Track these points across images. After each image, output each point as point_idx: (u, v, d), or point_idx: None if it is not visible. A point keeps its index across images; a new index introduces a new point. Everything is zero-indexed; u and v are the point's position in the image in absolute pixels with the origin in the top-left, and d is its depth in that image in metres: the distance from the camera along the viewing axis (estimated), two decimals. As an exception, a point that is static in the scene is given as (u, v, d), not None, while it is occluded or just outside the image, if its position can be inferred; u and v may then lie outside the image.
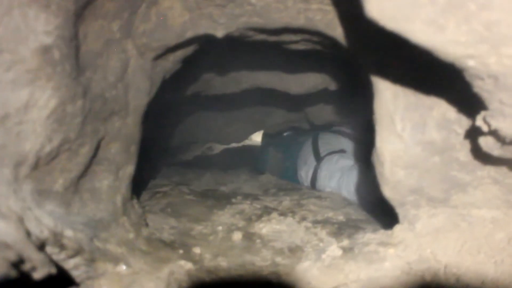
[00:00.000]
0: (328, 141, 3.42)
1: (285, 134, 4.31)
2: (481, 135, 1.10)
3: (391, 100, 1.40)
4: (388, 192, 1.52)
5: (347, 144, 3.36)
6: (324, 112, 3.53)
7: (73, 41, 1.26)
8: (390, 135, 1.43)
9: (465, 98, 1.09)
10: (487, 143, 1.10)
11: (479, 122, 1.04)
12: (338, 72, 2.40)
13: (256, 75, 2.76)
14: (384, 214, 2.07)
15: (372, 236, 1.62)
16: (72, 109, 1.28)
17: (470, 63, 0.89)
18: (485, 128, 1.04)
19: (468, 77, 0.96)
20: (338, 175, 2.99)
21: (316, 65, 2.38)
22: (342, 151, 3.27)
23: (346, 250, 1.57)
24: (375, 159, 1.52)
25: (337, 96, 2.88)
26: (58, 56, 1.19)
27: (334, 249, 1.58)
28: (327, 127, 3.71)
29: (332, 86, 2.61)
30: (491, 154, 1.13)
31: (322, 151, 3.34)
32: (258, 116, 4.08)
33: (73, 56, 1.27)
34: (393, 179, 1.46)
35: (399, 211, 1.55)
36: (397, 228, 1.55)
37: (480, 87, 0.96)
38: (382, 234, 1.61)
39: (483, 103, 1.00)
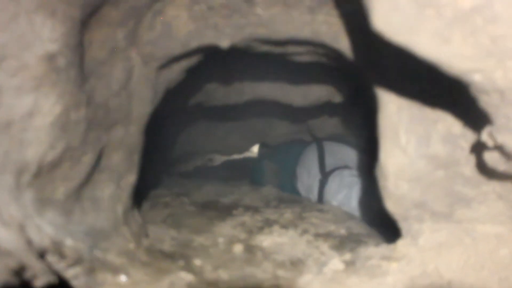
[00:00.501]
0: (334, 153, 3.37)
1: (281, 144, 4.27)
2: (486, 150, 1.10)
3: (395, 113, 1.41)
4: (391, 205, 1.52)
5: (352, 155, 3.34)
6: (327, 125, 3.53)
7: (78, 48, 1.27)
8: (394, 148, 1.43)
9: (471, 112, 1.09)
10: (492, 159, 1.10)
11: (484, 137, 1.04)
12: (343, 85, 2.41)
13: (259, 87, 2.76)
14: (387, 228, 2.07)
15: (375, 250, 1.61)
16: (75, 116, 1.29)
17: (476, 77, 0.89)
18: (490, 143, 1.04)
19: (474, 92, 0.96)
20: (346, 191, 2.97)
21: (320, 77, 2.39)
22: (347, 166, 3.24)
23: (348, 264, 1.57)
24: (378, 172, 1.52)
25: (341, 109, 2.89)
26: (63, 63, 1.20)
27: (336, 263, 1.58)
28: (330, 140, 3.67)
29: (336, 98, 2.62)
30: (496, 170, 1.13)
31: (328, 164, 3.30)
32: (260, 127, 4.08)
33: (78, 64, 1.28)
34: (397, 193, 1.46)
35: (402, 225, 1.55)
36: (400, 242, 1.54)
37: (486, 101, 0.96)
38: (385, 248, 1.60)
39: (488, 118, 1.00)
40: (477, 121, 1.12)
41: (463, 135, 1.28)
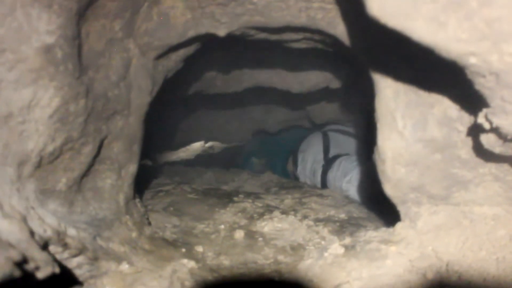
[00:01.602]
0: (338, 142, 3.47)
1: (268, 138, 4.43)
2: (482, 133, 1.10)
3: (392, 98, 1.40)
4: (389, 189, 1.52)
5: (353, 144, 3.41)
6: (325, 111, 3.52)
7: (75, 40, 1.26)
8: (391, 133, 1.42)
9: (467, 95, 1.08)
10: (488, 141, 1.10)
11: (480, 119, 1.04)
12: (340, 71, 2.40)
13: (257, 74, 2.75)
14: (386, 212, 2.07)
15: (374, 234, 1.62)
16: (75, 108, 1.28)
17: (472, 60, 0.89)
18: (486, 126, 1.03)
19: (469, 75, 0.95)
20: (347, 177, 3.03)
21: (317, 63, 2.38)
22: (347, 154, 3.30)
23: (348, 248, 1.57)
24: (376, 157, 1.52)
25: (339, 95, 2.88)
26: (60, 55, 1.19)
27: (336, 247, 1.58)
28: (329, 125, 3.70)
29: (334, 84, 2.61)
30: (492, 152, 1.12)
31: (332, 152, 3.38)
32: (259, 115, 4.08)
33: (76, 56, 1.27)
34: (395, 177, 1.46)
35: (401, 208, 1.55)
36: (398, 225, 1.55)
37: (482, 84, 0.95)
38: (383, 232, 1.60)
39: (484, 101, 0.99)
40: (473, 104, 1.11)
41: (459, 118, 1.28)
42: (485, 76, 0.92)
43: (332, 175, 3.17)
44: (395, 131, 1.41)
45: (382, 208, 2.32)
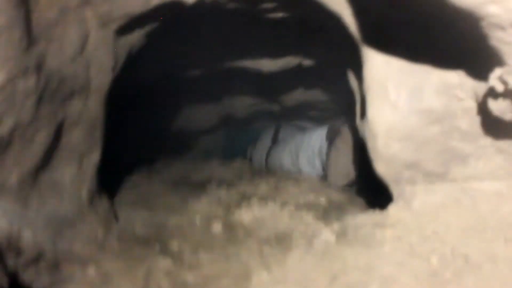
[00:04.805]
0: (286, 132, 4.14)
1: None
2: (492, 98, 1.01)
3: (383, 65, 1.31)
4: (381, 167, 1.43)
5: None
6: (296, 92, 3.43)
7: (21, 6, 1.09)
8: (383, 105, 1.34)
9: (473, 56, 1.01)
10: (499, 106, 1.01)
11: (493, 81, 0.95)
12: (317, 44, 2.28)
13: (227, 54, 2.62)
14: (365, 195, 2.04)
15: (364, 218, 1.54)
16: (24, 86, 1.12)
17: (491, 9, 0.81)
18: (500, 88, 0.95)
19: (485, 28, 0.87)
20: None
21: (292, 37, 2.25)
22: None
23: (339, 235, 1.49)
24: (366, 132, 1.44)
25: (312, 73, 2.77)
26: (3, 21, 1.01)
27: (326, 234, 1.49)
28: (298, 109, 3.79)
29: (307, 61, 2.49)
30: (502, 119, 1.04)
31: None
32: (226, 100, 3.96)
33: (23, 23, 1.11)
34: (388, 153, 1.38)
35: (394, 188, 1.47)
36: (392, 207, 1.46)
37: (500, 39, 0.87)
38: (375, 214, 1.52)
39: (500, 59, 0.91)
40: (482, 66, 1.02)
41: (460, 85, 1.19)
42: (504, 29, 0.84)
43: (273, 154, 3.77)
44: (387, 102, 1.32)
45: (363, 190, 2.36)
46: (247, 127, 4.71)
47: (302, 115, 4.14)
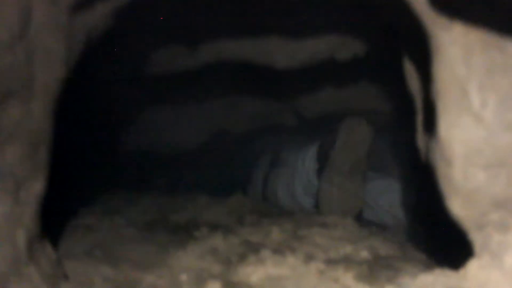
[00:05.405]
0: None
1: None
2: None
3: (461, 59, 1.32)
4: (457, 206, 1.43)
5: None
6: (321, 98, 3.47)
7: None
8: (461, 116, 1.34)
9: None
10: None
11: None
12: (356, 30, 2.30)
13: (222, 41, 2.64)
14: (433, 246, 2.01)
15: (430, 280, 1.52)
16: None
17: None
18: None
19: None
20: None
21: (319, 20, 2.27)
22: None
23: (398, 307, 1.47)
24: (437, 154, 1.44)
25: (347, 70, 2.79)
26: None
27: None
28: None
29: (343, 53, 2.51)
30: None
31: None
32: (219, 108, 4.01)
33: None
34: (468, 186, 1.38)
35: (475, 236, 1.45)
36: (473, 264, 1.45)
37: None
38: (447, 275, 1.51)
39: None
40: None
41: None
42: None
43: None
44: (468, 113, 1.32)
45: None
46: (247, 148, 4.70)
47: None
